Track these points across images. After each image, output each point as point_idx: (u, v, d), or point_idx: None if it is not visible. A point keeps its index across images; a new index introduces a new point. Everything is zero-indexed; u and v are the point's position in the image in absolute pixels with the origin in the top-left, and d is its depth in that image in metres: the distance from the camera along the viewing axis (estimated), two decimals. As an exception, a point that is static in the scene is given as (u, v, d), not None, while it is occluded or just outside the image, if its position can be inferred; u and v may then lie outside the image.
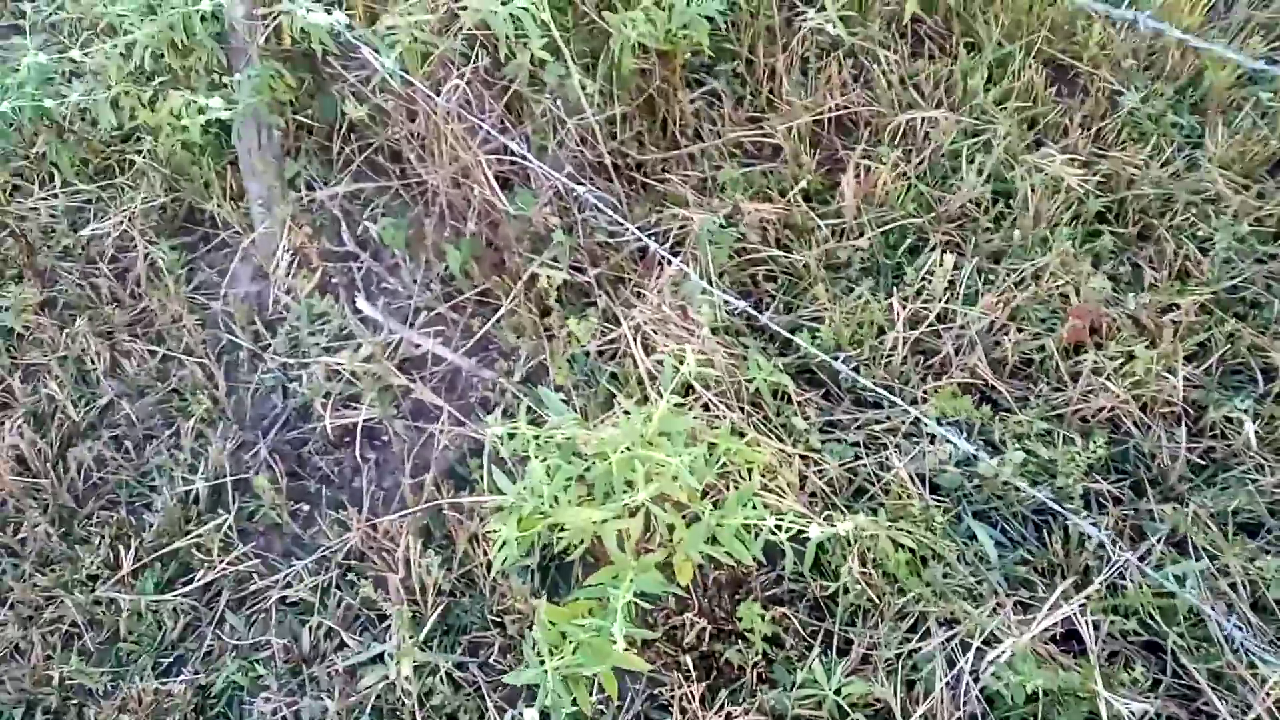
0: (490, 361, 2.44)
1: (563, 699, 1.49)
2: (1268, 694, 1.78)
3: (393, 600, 1.99)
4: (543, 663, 1.51)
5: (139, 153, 2.75)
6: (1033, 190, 2.49)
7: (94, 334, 2.52)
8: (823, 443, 2.19)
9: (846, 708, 1.80)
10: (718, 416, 2.12)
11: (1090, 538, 2.02)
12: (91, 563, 2.14)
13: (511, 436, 1.71)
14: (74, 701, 2.01)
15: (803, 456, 2.16)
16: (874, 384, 2.32)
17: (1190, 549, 2.00)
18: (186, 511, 2.23)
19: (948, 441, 2.11)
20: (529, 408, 2.15)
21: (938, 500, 2.10)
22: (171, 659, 2.05)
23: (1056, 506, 1.84)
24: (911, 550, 1.98)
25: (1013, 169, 2.56)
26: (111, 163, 2.84)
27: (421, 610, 2.03)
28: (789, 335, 2.08)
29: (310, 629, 2.03)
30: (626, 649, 1.56)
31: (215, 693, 1.99)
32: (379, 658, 1.98)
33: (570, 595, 1.70)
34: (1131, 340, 2.28)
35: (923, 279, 2.39)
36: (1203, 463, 2.19)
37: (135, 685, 1.98)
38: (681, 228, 2.42)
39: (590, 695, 1.55)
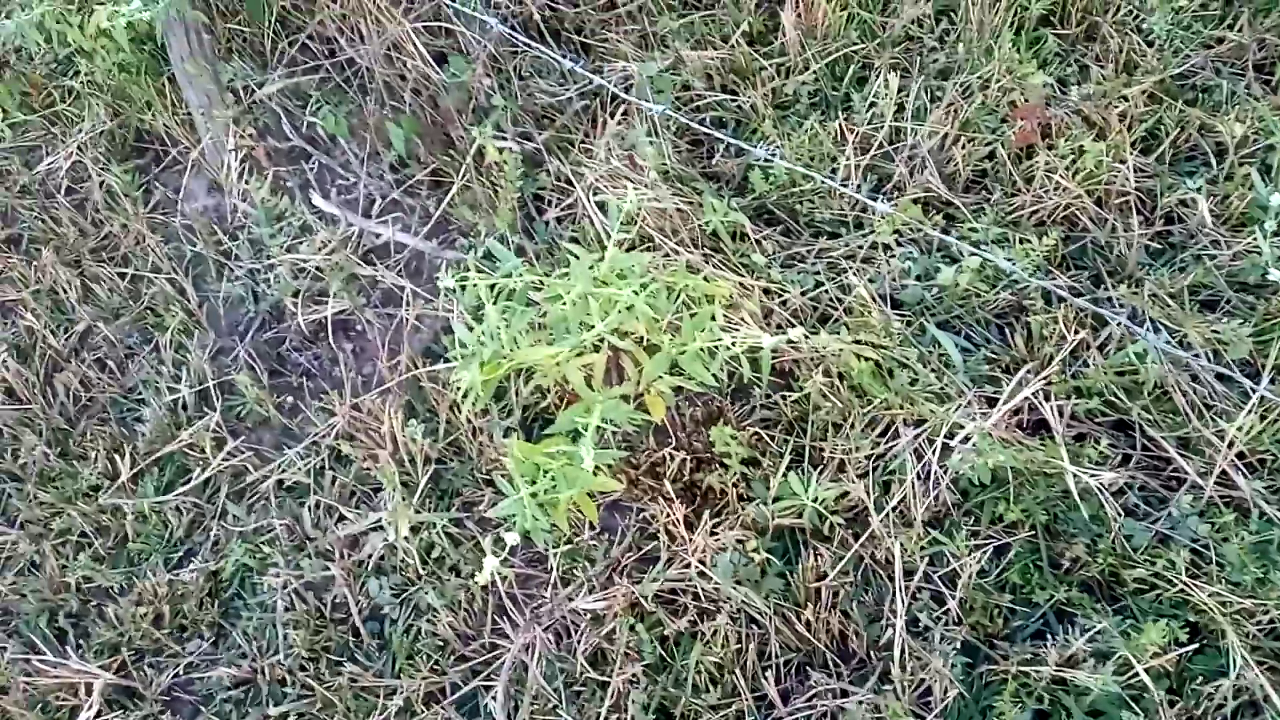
0: (451, 241, 2.46)
1: (540, 521, 1.55)
2: (1230, 446, 1.84)
3: (384, 472, 2.06)
4: (518, 489, 1.57)
5: (78, 78, 2.74)
6: (974, 2, 2.46)
7: (62, 264, 2.55)
8: (783, 275, 2.22)
9: (825, 513, 1.87)
10: (675, 257, 2.15)
11: (1051, 332, 2.05)
12: (91, 475, 2.21)
13: (464, 288, 1.74)
14: (93, 603, 2.10)
15: (765, 290, 2.19)
16: (831, 214, 2.34)
17: (1149, 327, 2.04)
18: (176, 418, 2.29)
19: (906, 257, 2.14)
20: (480, 263, 2.18)
21: (900, 315, 2.14)
22: (181, 553, 2.13)
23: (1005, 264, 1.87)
24: (877, 363, 2.03)
25: (953, -17, 2.53)
26: (54, 96, 2.82)
27: (413, 478, 2.09)
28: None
29: (309, 508, 2.10)
30: (597, 473, 1.62)
31: (226, 576, 2.07)
32: (378, 526, 2.05)
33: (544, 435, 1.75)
34: (1081, 135, 2.28)
35: (870, 104, 2.39)
36: (1159, 247, 2.21)
37: (149, 580, 2.06)
38: (624, 80, 2.41)
39: (566, 517, 1.60)
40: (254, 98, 2.54)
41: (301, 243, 2.40)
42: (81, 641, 2.06)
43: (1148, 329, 1.88)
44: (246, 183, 2.47)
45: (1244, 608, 1.79)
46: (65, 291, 2.51)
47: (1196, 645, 1.78)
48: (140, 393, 2.36)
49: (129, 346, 2.45)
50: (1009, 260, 2.03)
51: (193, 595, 2.04)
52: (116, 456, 2.22)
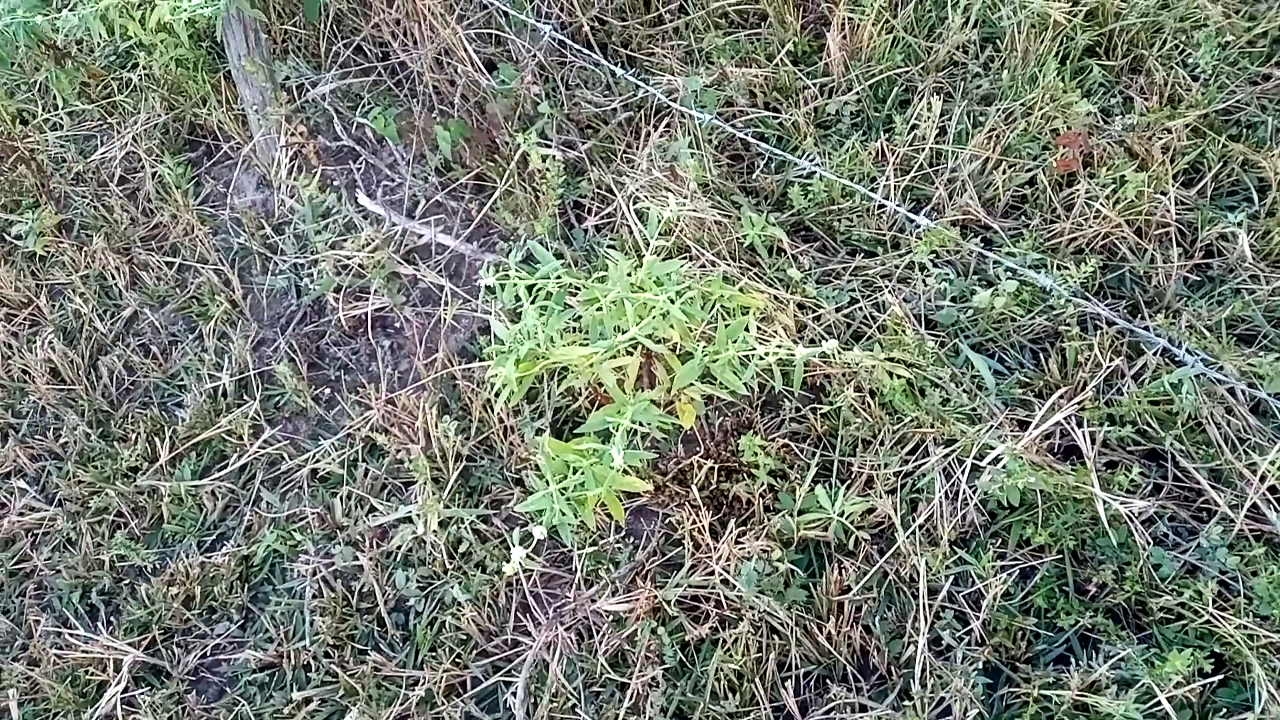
0: (491, 244, 2.50)
1: (567, 517, 1.58)
2: (1261, 480, 1.83)
3: (416, 466, 2.08)
4: (548, 485, 1.59)
5: (136, 71, 2.81)
6: (1020, 29, 2.48)
7: (112, 251, 2.61)
8: (818, 291, 2.23)
9: (851, 527, 1.87)
10: (712, 268, 2.17)
11: (1086, 358, 2.05)
12: (130, 456, 2.26)
13: (503, 287, 1.77)
14: (125, 581, 2.14)
15: (799, 305, 2.20)
16: (869, 231, 2.35)
17: (1185, 357, 2.03)
18: (215, 405, 2.33)
19: (942, 277, 2.15)
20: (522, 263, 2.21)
21: (934, 335, 2.14)
22: (214, 536, 2.17)
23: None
24: (909, 381, 2.03)
25: (999, 10, 2.54)
26: (111, 87, 2.90)
27: (444, 474, 2.12)
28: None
29: (341, 499, 2.13)
30: (626, 473, 1.64)
31: (257, 561, 2.10)
32: (407, 519, 2.08)
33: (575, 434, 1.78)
34: (1122, 166, 2.28)
35: (912, 126, 2.40)
36: (1198, 279, 2.21)
37: (182, 561, 2.10)
38: (669, 93, 2.44)
39: (593, 517, 1.63)
40: (306, 97, 2.60)
41: (345, 240, 2.44)
42: (113, 618, 2.10)
43: (1194, 361, 1.87)
44: (295, 179, 2.52)
45: (1271, 641, 1.78)
46: (114, 278, 2.58)
47: (1221, 677, 1.77)
48: (182, 379, 2.41)
49: (173, 334, 2.50)
50: (1051, 280, 2.03)
51: (223, 578, 2.07)
52: (156, 440, 2.27)
